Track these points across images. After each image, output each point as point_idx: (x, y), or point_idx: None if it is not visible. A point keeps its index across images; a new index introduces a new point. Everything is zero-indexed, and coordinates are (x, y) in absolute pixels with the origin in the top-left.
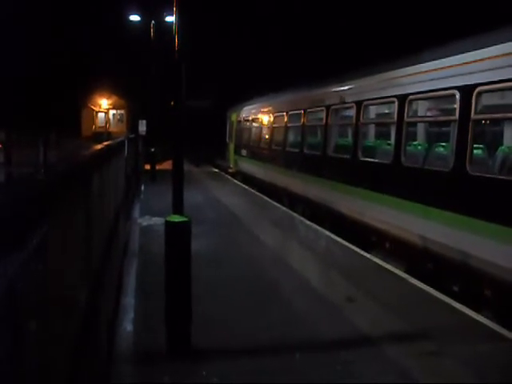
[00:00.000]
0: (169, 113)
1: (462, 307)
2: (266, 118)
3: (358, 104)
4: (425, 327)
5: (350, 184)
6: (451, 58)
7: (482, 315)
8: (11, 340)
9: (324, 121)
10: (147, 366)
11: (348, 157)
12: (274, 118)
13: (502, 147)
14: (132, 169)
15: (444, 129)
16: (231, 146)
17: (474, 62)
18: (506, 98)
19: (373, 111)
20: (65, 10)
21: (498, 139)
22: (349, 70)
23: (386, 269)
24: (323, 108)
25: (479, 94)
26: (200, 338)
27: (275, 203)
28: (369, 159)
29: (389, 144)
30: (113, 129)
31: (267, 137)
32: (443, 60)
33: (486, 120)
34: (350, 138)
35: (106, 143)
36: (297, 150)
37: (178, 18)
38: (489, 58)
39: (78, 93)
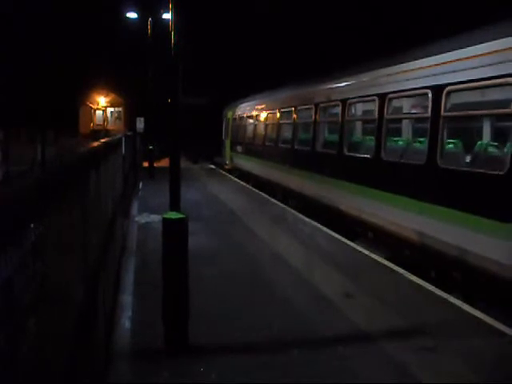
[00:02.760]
0: (166, 110)
1: (446, 296)
2: (259, 116)
3: (343, 102)
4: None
5: (336, 177)
6: (424, 59)
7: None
8: (7, 338)
9: (313, 118)
10: (145, 363)
11: (334, 152)
12: (267, 115)
13: (466, 141)
14: (130, 166)
15: (419, 125)
16: (227, 143)
17: (443, 63)
18: (472, 97)
19: (356, 109)
20: (63, 7)
21: (464, 135)
22: (338, 69)
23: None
24: (312, 106)
25: (448, 93)
26: (197, 335)
27: (270, 198)
28: (353, 154)
29: (370, 140)
30: (111, 126)
31: (261, 133)
32: (417, 61)
33: (454, 117)
34: (336, 135)
35: (103, 140)
36: (288, 146)
37: (174, 14)
38: (457, 60)
39: (76, 91)
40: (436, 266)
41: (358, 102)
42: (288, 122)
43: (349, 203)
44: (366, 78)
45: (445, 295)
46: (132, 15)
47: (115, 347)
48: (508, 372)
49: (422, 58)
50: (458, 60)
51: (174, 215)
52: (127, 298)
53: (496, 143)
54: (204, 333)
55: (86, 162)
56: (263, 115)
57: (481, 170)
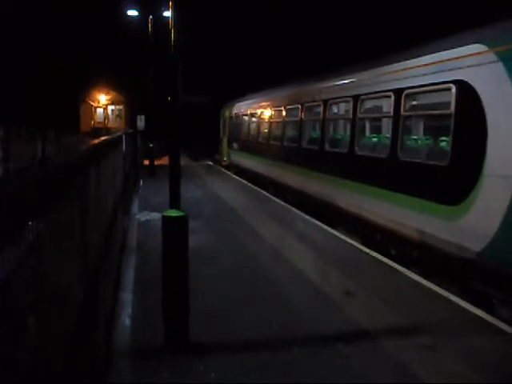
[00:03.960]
0: (167, 108)
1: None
2: (253, 114)
3: (325, 102)
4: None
5: (318, 171)
6: (389, 66)
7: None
8: (7, 336)
9: (299, 116)
10: (145, 361)
11: (317, 148)
12: (260, 114)
13: (421, 138)
14: (130, 164)
15: (384, 124)
16: (224, 141)
17: (402, 70)
18: (425, 99)
19: (335, 108)
20: (63, 7)
21: (419, 131)
22: (319, 72)
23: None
24: (298, 105)
25: (406, 95)
26: (198, 332)
27: (270, 196)
28: (332, 150)
29: (346, 137)
30: (111, 124)
31: (255, 131)
32: (383, 68)
33: (411, 116)
34: (318, 132)
35: (103, 138)
36: (278, 143)
37: (174, 11)
38: (411, 68)
39: (77, 89)
40: (398, 246)
41: (338, 102)
42: (278, 120)
43: (329, 194)
44: (343, 81)
45: (445, 293)
46: (133, 13)
47: (116, 345)
48: (508, 371)
49: (388, 64)
50: (413, 67)
51: (174, 213)
52: (127, 296)
53: (441, 139)
54: (204, 330)
55: (86, 159)
56: (257, 114)
57: (430, 162)
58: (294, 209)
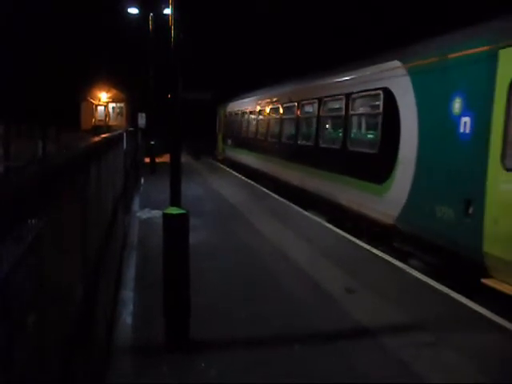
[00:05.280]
0: (167, 105)
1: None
2: (244, 113)
3: (298, 102)
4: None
5: (293, 162)
6: (341, 75)
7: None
8: (5, 334)
9: (279, 116)
10: (146, 358)
11: (291, 142)
12: (250, 112)
13: (363, 132)
14: (131, 162)
15: (339, 121)
16: (220, 137)
17: (351, 79)
18: (365, 101)
19: (306, 108)
20: (63, 7)
21: (361, 127)
22: (294, 76)
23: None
24: (279, 105)
25: (353, 98)
26: (199, 330)
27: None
28: (303, 143)
29: (313, 132)
30: (112, 122)
31: (245, 128)
32: (337, 76)
33: (356, 115)
34: (293, 129)
35: (104, 135)
36: (262, 138)
37: (174, 8)
38: (355, 77)
39: (78, 86)
40: (350, 220)
41: (308, 103)
42: (264, 118)
43: (301, 181)
44: (311, 85)
45: (445, 290)
46: (133, 11)
47: (116, 343)
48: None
49: (340, 73)
50: (357, 77)
51: (174, 210)
52: (128, 294)
53: (374, 132)
54: (205, 328)
55: (86, 156)
56: (246, 113)
57: (367, 151)
58: (292, 204)
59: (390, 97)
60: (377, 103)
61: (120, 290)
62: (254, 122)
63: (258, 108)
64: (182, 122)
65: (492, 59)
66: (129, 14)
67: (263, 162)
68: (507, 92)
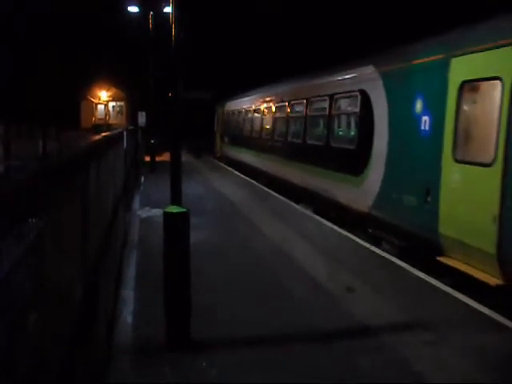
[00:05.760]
0: (168, 104)
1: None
2: (240, 112)
3: (288, 102)
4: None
5: (282, 157)
6: (325, 77)
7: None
8: (5, 333)
9: (272, 115)
10: (146, 358)
11: (282, 139)
12: (245, 111)
13: (344, 130)
14: (132, 160)
15: (323, 120)
16: (217, 135)
17: (334, 81)
18: (346, 102)
19: (295, 108)
20: (63, 7)
21: (343, 126)
22: (283, 77)
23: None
24: (272, 105)
25: (336, 99)
26: (199, 329)
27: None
28: (292, 140)
29: (301, 130)
30: (112, 121)
31: (240, 126)
32: (323, 78)
33: (338, 114)
34: (283, 127)
35: (103, 134)
36: (257, 136)
37: (175, 7)
38: (338, 80)
39: (78, 85)
40: (334, 211)
41: (297, 103)
42: (258, 116)
43: (290, 175)
44: (299, 86)
45: (448, 289)
46: (133, 9)
47: (117, 342)
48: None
49: (325, 76)
50: (339, 80)
51: (175, 209)
52: (129, 293)
53: (354, 130)
54: (206, 327)
55: (86, 155)
56: (242, 112)
57: (347, 147)
58: (292, 203)
59: (365, 98)
60: (355, 103)
61: (120, 289)
62: (249, 121)
63: (253, 107)
64: (183, 121)
65: (446, 66)
66: (129, 12)
67: (257, 158)
68: (457, 95)
